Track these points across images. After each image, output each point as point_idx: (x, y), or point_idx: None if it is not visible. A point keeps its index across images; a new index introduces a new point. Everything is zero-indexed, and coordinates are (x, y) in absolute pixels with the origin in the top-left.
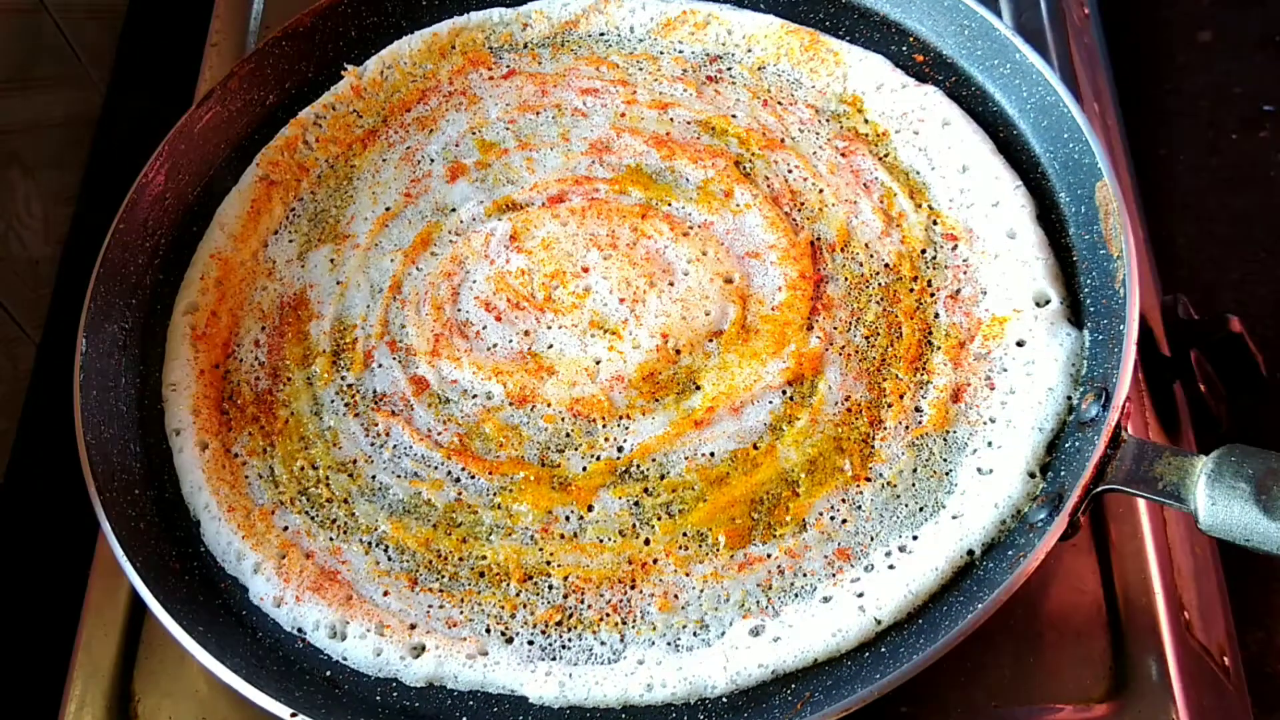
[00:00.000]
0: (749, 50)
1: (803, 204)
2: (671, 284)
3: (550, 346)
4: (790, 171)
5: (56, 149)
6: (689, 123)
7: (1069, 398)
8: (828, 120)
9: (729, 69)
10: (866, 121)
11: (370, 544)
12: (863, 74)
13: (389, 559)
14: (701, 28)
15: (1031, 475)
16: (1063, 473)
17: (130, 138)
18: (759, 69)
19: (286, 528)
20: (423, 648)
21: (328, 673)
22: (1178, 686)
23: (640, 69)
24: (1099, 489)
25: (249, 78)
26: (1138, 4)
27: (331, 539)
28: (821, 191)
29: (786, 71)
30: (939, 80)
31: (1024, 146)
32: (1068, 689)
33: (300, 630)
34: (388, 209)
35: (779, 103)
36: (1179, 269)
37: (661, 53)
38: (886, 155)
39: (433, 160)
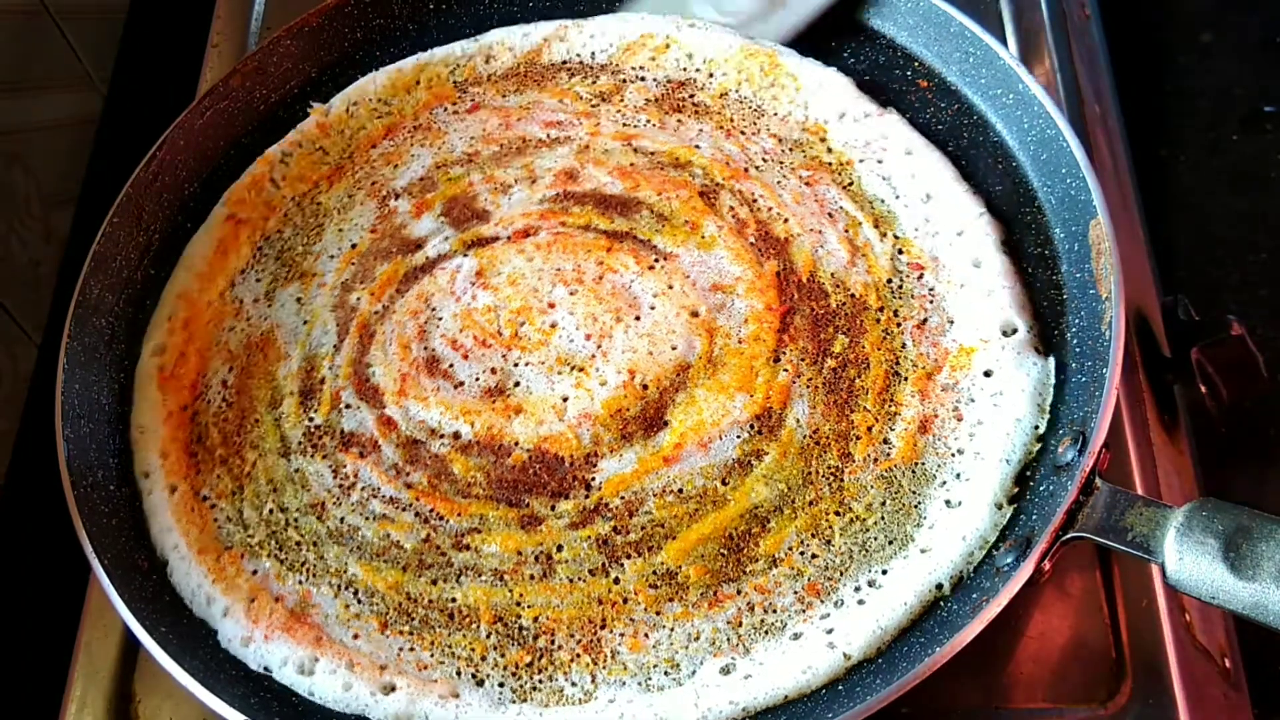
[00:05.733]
0: (710, 75)
1: (768, 234)
2: (638, 318)
3: (517, 384)
4: (755, 201)
5: (58, 150)
6: (653, 153)
7: (1036, 427)
8: (791, 149)
9: (691, 96)
10: (830, 150)
11: (340, 587)
12: (824, 102)
13: (359, 602)
14: (662, 51)
15: (999, 506)
16: (1034, 516)
17: (131, 139)
18: (721, 96)
19: (256, 571)
20: (393, 687)
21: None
22: (1178, 687)
23: (604, 100)
24: (1068, 536)
25: (252, 75)
26: (1138, 4)
27: (301, 582)
28: (787, 221)
29: (749, 99)
30: (942, 108)
31: (1023, 179)
32: (1069, 690)
33: (267, 669)
34: (354, 246)
35: (742, 132)
36: (1179, 269)
37: (625, 81)
38: (851, 184)
39: (398, 196)
